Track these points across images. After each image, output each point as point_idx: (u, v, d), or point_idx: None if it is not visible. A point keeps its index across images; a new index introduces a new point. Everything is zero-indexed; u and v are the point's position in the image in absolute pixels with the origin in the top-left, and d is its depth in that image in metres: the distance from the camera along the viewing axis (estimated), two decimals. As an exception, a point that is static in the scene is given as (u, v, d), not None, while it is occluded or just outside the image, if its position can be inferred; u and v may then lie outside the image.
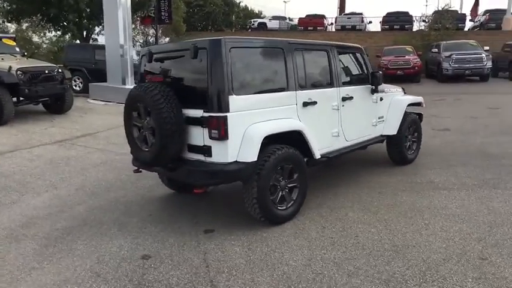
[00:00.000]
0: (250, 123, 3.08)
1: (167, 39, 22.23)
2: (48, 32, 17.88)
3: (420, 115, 5.31)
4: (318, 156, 3.59)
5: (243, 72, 3.14)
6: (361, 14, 24.08)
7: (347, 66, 4.26)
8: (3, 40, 8.37)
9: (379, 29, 24.04)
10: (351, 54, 4.37)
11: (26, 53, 9.04)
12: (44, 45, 24.87)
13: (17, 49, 8.41)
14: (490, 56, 14.66)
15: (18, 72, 7.12)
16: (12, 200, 4.07)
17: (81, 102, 10.09)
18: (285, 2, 41.77)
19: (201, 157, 3.12)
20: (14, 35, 10.43)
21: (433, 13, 21.69)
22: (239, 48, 3.08)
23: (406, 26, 22.68)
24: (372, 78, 4.42)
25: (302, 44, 3.66)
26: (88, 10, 14.99)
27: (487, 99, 10.85)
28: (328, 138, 3.86)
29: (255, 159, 3.03)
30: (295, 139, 3.39)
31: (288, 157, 3.26)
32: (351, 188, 4.19)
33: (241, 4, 31.03)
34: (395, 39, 19.90)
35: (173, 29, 20.97)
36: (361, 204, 3.75)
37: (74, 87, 11.45)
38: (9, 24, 20.76)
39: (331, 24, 25.73)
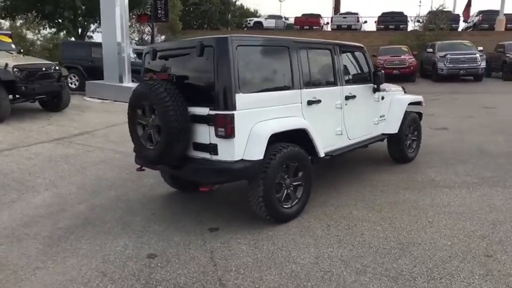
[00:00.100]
0: (257, 121, 3.07)
1: (163, 37, 22.11)
2: (43, 29, 17.66)
3: (420, 114, 5.36)
4: (322, 154, 3.59)
5: (249, 70, 3.13)
6: (356, 13, 24.22)
7: (350, 65, 4.27)
8: (-1, 37, 8.27)
9: (375, 29, 24.19)
10: (353, 53, 4.39)
11: (22, 50, 8.91)
12: (38, 42, 24.53)
13: (13, 46, 8.29)
14: (484, 56, 14.84)
15: (15, 69, 7.01)
16: (12, 198, 4.01)
17: (78, 100, 9.97)
18: (280, 1, 41.74)
19: (206, 155, 3.10)
20: (10, 32, 10.29)
21: (427, 13, 21.90)
22: (245, 46, 3.07)
23: (401, 26, 22.89)
24: (374, 77, 4.45)
25: (307, 43, 3.67)
26: (84, 7, 14.82)
27: (481, 98, 10.98)
28: (332, 136, 3.87)
29: (262, 157, 3.02)
30: (299, 137, 3.40)
31: (293, 155, 3.26)
32: (353, 187, 4.21)
33: (237, 3, 30.97)
34: (390, 39, 20.04)
35: (169, 27, 20.86)
36: (365, 202, 3.77)
37: (69, 85, 11.31)
38: (2, 21, 20.44)
39: (327, 23, 25.83)
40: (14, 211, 3.70)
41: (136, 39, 22.98)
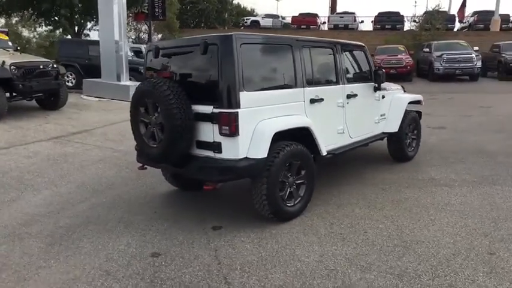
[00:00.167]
0: (260, 119, 3.07)
1: (160, 35, 22.01)
2: (39, 26, 17.50)
3: (419, 113, 5.38)
4: (324, 153, 3.60)
5: (253, 68, 3.12)
6: (353, 13, 24.30)
7: (351, 64, 4.28)
8: (-4, 34, 8.18)
9: (371, 29, 24.27)
10: (354, 52, 4.39)
11: (19, 48, 8.82)
12: (34, 40, 24.29)
13: (10, 43, 8.21)
14: (480, 56, 14.95)
15: (12, 67, 6.94)
16: (12, 197, 3.98)
17: (75, 98, 9.90)
18: (277, 0, 41.74)
19: (210, 153, 3.10)
20: (6, 29, 10.18)
21: (423, 13, 22.02)
22: (249, 44, 3.07)
23: (398, 26, 22.99)
24: (375, 76, 4.46)
25: (309, 41, 3.66)
26: (80, 5, 14.70)
27: (478, 98, 11.07)
28: (334, 135, 3.88)
29: (265, 155, 3.02)
30: (302, 136, 3.40)
31: (296, 153, 3.26)
32: (355, 185, 4.22)
33: (233, 2, 30.92)
34: (387, 39, 20.11)
35: (166, 25, 20.77)
36: (366, 200, 3.78)
37: (66, 83, 11.22)
38: (-3, 19, 20.21)
39: (324, 23, 25.87)
40: (14, 210, 3.66)
41: (133, 37, 22.86)
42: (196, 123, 3.09)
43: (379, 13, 23.83)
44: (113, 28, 10.01)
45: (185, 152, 3.14)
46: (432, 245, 2.86)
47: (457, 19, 25.65)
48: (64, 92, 8.20)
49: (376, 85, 4.47)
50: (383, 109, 4.71)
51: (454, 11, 27.68)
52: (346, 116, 4.01)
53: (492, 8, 22.59)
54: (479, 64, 14.68)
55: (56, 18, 15.16)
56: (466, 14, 26.78)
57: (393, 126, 4.76)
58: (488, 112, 8.77)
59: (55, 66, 7.89)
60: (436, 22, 19.93)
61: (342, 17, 23.96)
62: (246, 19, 26.80)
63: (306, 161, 3.38)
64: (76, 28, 16.09)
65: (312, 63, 3.59)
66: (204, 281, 2.48)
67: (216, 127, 2.98)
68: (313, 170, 3.45)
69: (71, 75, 11.90)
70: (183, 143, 3.06)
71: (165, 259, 2.75)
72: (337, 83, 3.91)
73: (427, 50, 15.93)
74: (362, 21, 25.14)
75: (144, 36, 22.97)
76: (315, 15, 25.22)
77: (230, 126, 2.90)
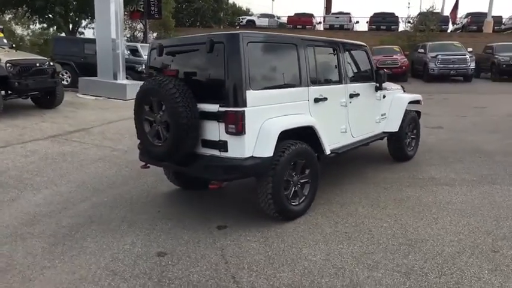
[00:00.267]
0: (266, 118, 3.07)
1: (155, 34, 21.88)
2: (33, 24, 17.26)
3: (418, 112, 5.43)
4: (328, 151, 3.61)
5: (259, 67, 3.12)
6: (348, 13, 24.41)
7: (353, 64, 4.30)
8: (-10, 32, 8.05)
9: (366, 29, 24.41)
10: (356, 52, 4.41)
11: (14, 45, 8.70)
12: (28, 38, 23.95)
13: (5, 41, 8.08)
14: (474, 57, 15.14)
15: (8, 64, 6.84)
16: (11, 197, 3.92)
17: (71, 96, 9.78)
18: (272, 0, 41.77)
19: (215, 152, 3.08)
20: (1, 26, 10.03)
21: (418, 14, 22.22)
22: (255, 43, 3.06)
23: (392, 27, 23.15)
24: (376, 76, 4.49)
25: (313, 41, 3.67)
26: (75, 2, 14.54)
27: (472, 98, 11.21)
28: (337, 134, 3.89)
29: (271, 154, 3.02)
30: (306, 135, 3.40)
31: (301, 152, 3.27)
32: (356, 184, 4.24)
33: (229, 1, 30.86)
34: (382, 39, 20.25)
35: (162, 24, 20.65)
36: (369, 199, 3.80)
37: (62, 81, 11.08)
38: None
39: (319, 23, 25.95)
40: (14, 210, 3.61)
41: (128, 35, 22.68)
42: (202, 121, 3.08)
43: (375, 14, 23.98)
44: (109, 26, 9.92)
45: (190, 151, 3.13)
46: (437, 243, 2.89)
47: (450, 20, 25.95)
48: (60, 90, 8.11)
49: (377, 85, 4.50)
50: (384, 109, 4.74)
51: (447, 12, 28.00)
52: (348, 116, 4.03)
53: (484, 9, 22.91)
54: (473, 65, 14.87)
55: (51, 15, 14.98)
56: (459, 15, 27.13)
57: (394, 126, 4.79)
58: (483, 112, 8.88)
59: (51, 64, 7.80)
60: (430, 23, 20.14)
61: (338, 17, 24.06)
62: (242, 18, 26.77)
63: (311, 160, 3.39)
64: (70, 26, 15.91)
65: (316, 62, 3.60)
66: (212, 280, 2.48)
67: (222, 126, 2.97)
68: (317, 169, 3.46)
69: (66, 73, 11.76)
70: (189, 141, 3.04)
71: (171, 258, 2.74)
72: (340, 82, 3.93)
73: (422, 50, 16.08)
74: (357, 22, 25.29)
75: (139, 34, 22.82)
76: (311, 15, 25.30)
77: (237, 125, 2.89)
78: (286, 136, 3.19)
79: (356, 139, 4.21)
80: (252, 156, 2.99)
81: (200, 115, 3.06)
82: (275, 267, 2.61)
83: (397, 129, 4.80)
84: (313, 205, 3.53)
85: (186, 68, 3.25)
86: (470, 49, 15.48)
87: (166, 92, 2.97)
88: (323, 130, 3.51)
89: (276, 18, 27.52)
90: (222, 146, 3.02)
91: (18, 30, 24.08)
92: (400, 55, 16.01)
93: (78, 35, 16.45)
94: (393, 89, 5.06)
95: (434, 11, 21.78)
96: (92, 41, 11.25)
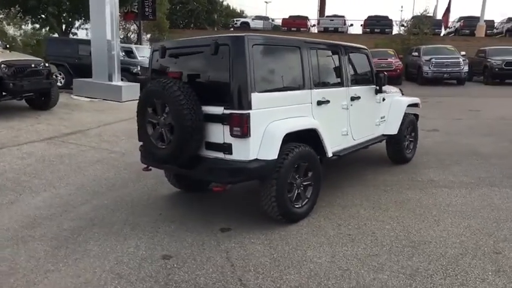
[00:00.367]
0: (271, 120, 3.08)
1: (149, 35, 21.79)
2: (25, 24, 17.05)
3: (416, 115, 5.49)
4: (330, 154, 3.63)
5: (264, 69, 3.13)
6: (343, 16, 24.60)
7: (355, 67, 4.33)
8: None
9: (361, 32, 24.62)
10: (357, 55, 4.45)
11: (8, 46, 8.58)
12: (20, 38, 23.63)
13: (-1, 41, 7.98)
14: (467, 60, 15.36)
15: (2, 65, 6.74)
16: (10, 199, 3.86)
17: (65, 98, 9.67)
18: (266, 2, 41.87)
19: (220, 155, 3.08)
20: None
21: (411, 18, 22.48)
22: (260, 46, 3.07)
23: (386, 30, 23.40)
24: (376, 79, 4.53)
25: (316, 44, 3.70)
26: (68, 3, 14.40)
27: (466, 101, 11.35)
28: (339, 136, 3.92)
29: (276, 157, 3.02)
30: (309, 137, 3.42)
31: (304, 155, 3.28)
32: (357, 187, 4.27)
33: (223, 3, 30.89)
34: (376, 42, 20.43)
35: (156, 25, 20.57)
36: (370, 202, 3.83)
37: (57, 82, 10.95)
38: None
39: (314, 25, 26.11)
40: (14, 212, 3.56)
41: (121, 37, 22.51)
42: (206, 124, 3.07)
43: (369, 17, 24.21)
44: (105, 27, 9.83)
45: (194, 153, 3.12)
46: (440, 245, 2.92)
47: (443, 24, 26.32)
48: (55, 91, 8.02)
49: (378, 88, 4.54)
50: (383, 111, 4.78)
51: (439, 16, 28.40)
52: (350, 118, 4.06)
53: (477, 14, 23.30)
54: (466, 68, 15.07)
55: (43, 16, 14.80)
56: (451, 19, 27.54)
57: (393, 129, 4.84)
58: (477, 115, 9.01)
59: (46, 65, 7.71)
60: (424, 27, 20.38)
61: (332, 20, 24.23)
62: (236, 20, 26.81)
63: (313, 163, 3.40)
64: (64, 26, 15.75)
65: (319, 65, 3.62)
66: (219, 283, 2.47)
67: (226, 128, 2.97)
68: (319, 171, 3.48)
69: (60, 74, 11.63)
70: (193, 144, 3.03)
71: (176, 261, 2.72)
72: (342, 85, 3.96)
73: (416, 54, 16.26)
74: (351, 25, 25.49)
75: (133, 36, 22.69)
76: (305, 18, 25.44)
77: (242, 128, 2.89)
78: (289, 139, 3.20)
79: (357, 142, 4.23)
80: (257, 159, 3.00)
81: (204, 117, 3.06)
82: (281, 269, 2.61)
83: (396, 132, 4.85)
84: (315, 208, 3.54)
85: (190, 70, 3.24)
86: (463, 53, 15.70)
87: (170, 94, 2.96)
88: (325, 133, 3.52)
89: (270, 21, 27.61)
90: (227, 148, 3.02)
91: (11, 30, 23.79)
92: (395, 58, 16.18)
93: (71, 36, 16.28)
94: (392, 92, 5.11)
95: (428, 14, 22.08)
96: (86, 42, 11.14)
